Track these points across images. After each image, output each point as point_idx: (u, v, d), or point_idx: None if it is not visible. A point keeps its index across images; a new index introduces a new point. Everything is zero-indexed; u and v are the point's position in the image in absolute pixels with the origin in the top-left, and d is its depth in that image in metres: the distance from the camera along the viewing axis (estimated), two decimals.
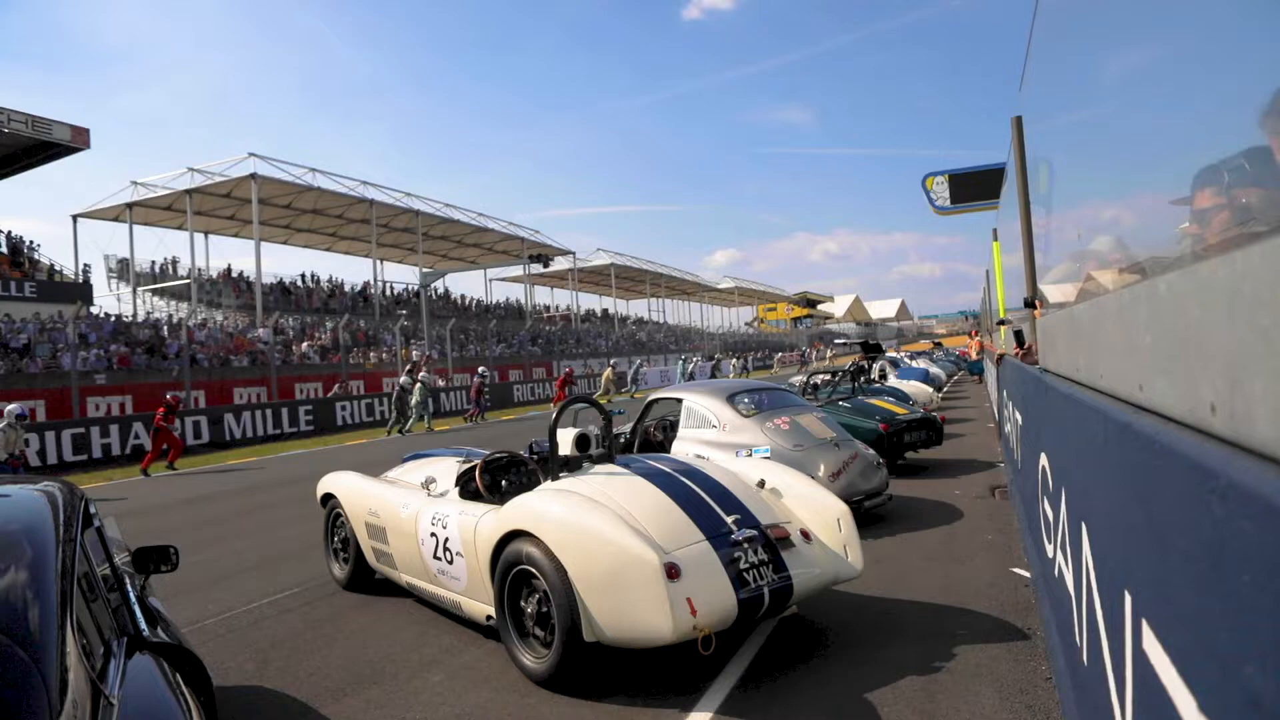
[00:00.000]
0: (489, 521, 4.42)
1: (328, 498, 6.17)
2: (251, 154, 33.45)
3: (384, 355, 32.77)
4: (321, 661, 4.59)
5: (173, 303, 37.67)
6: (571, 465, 4.72)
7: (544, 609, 4.00)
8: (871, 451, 7.65)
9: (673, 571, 3.64)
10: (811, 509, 4.52)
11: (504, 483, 5.14)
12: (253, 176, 33.44)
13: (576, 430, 4.79)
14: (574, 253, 54.87)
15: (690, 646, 3.62)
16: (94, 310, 29.66)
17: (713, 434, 7.45)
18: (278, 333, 29.64)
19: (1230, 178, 1.44)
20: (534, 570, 4.00)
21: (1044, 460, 3.42)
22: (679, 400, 7.99)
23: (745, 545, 4.01)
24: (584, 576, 3.80)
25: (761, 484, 4.66)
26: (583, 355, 45.71)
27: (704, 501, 4.26)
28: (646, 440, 8.09)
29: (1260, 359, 0.89)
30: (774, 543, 4.13)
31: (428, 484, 5.21)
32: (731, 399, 7.71)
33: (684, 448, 7.33)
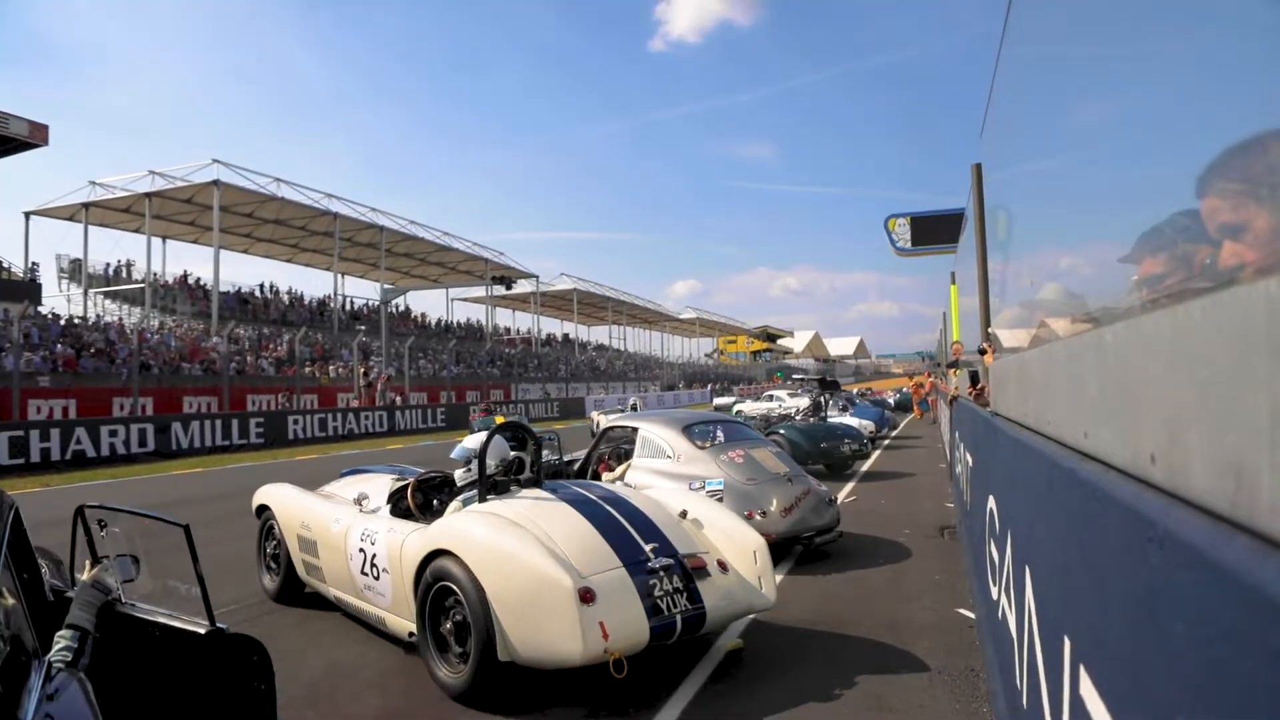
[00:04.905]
0: (415, 539, 4.50)
1: (262, 509, 6.18)
2: (215, 160, 32.89)
3: (340, 370, 32.30)
4: None
5: (125, 307, 36.79)
6: (499, 488, 4.77)
7: (460, 619, 4.06)
8: (824, 488, 7.70)
9: (587, 596, 3.72)
10: (730, 540, 4.66)
11: (435, 502, 5.21)
12: (215, 183, 32.87)
13: (513, 454, 4.86)
14: (537, 276, 54.83)
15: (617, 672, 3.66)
16: (41, 310, 28.85)
17: (667, 464, 7.42)
18: (233, 342, 29.08)
19: (1176, 234, 1.48)
20: (454, 588, 4.07)
21: (992, 502, 3.46)
22: (635, 429, 7.96)
23: (661, 573, 4.12)
24: (501, 597, 3.88)
25: (684, 514, 4.79)
26: (541, 379, 45.53)
27: (624, 529, 4.37)
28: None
29: (1198, 412, 0.91)
30: (690, 572, 4.25)
31: (360, 500, 5.27)
32: (687, 430, 7.70)
33: (637, 477, 7.30)
